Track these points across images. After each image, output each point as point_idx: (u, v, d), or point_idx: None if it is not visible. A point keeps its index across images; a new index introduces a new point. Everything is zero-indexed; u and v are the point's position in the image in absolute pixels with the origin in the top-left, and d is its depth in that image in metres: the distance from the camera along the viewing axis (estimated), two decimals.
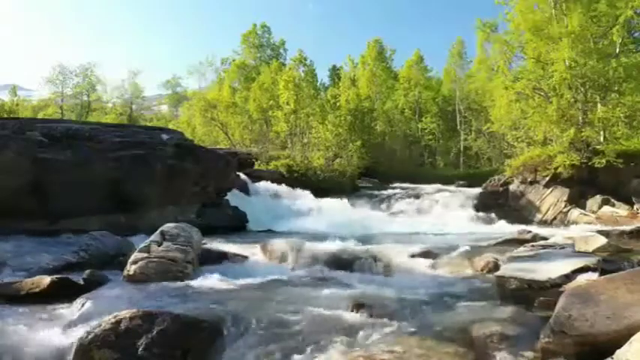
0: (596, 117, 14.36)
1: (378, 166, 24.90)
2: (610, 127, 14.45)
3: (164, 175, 10.27)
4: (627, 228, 8.17)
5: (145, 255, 5.01)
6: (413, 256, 6.40)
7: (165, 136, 11.52)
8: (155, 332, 2.98)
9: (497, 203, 14.76)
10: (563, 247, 5.43)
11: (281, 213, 13.42)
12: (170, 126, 24.32)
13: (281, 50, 36.59)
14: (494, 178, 16.81)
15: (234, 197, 12.69)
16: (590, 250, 5.19)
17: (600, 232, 6.48)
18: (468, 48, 31.91)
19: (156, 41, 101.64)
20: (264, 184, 15.59)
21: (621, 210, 12.27)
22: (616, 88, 14.76)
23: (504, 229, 11.22)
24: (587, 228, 9.55)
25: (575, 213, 12.96)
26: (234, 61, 36.67)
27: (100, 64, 37.28)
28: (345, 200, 15.67)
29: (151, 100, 50.61)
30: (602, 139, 14.29)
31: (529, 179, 14.69)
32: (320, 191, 15.95)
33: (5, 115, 21.88)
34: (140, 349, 2.90)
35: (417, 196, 16.31)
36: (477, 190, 16.14)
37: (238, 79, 34.20)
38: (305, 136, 22.69)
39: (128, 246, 6.34)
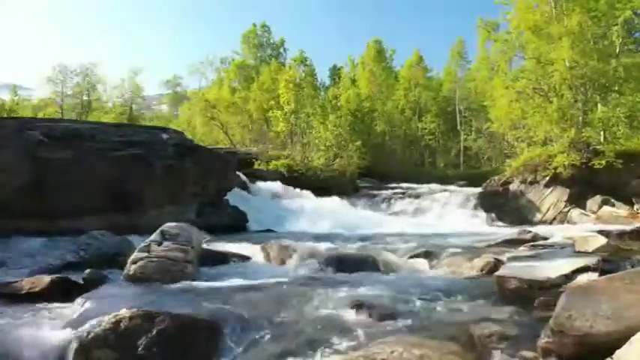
0: (597, 117, 14.36)
1: (378, 166, 24.88)
2: (610, 127, 14.45)
3: (164, 175, 10.27)
4: (627, 228, 8.16)
5: (145, 255, 5.01)
6: (413, 256, 6.41)
7: (165, 136, 11.54)
8: (155, 332, 2.98)
9: (498, 203, 14.75)
10: (563, 247, 5.44)
11: (281, 213, 13.42)
12: (170, 126, 24.29)
13: (281, 50, 36.60)
14: (495, 178, 16.80)
15: (234, 197, 12.69)
16: (590, 250, 5.18)
17: (600, 232, 6.48)
18: (468, 48, 31.97)
19: (156, 41, 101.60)
20: (264, 184, 15.61)
21: (621, 210, 12.26)
22: (616, 88, 14.77)
23: (504, 229, 11.22)
24: (587, 228, 9.55)
25: (575, 213, 12.95)
26: (233, 60, 36.68)
27: (100, 64, 37.07)
28: (345, 200, 15.68)
29: (151, 99, 50.65)
30: (602, 139, 14.29)
31: (529, 179, 14.68)
32: (320, 191, 15.94)
33: (5, 115, 21.89)
34: (140, 349, 2.90)
35: (417, 196, 16.31)
36: (477, 190, 16.12)
37: (238, 79, 34.20)
38: (305, 136, 22.68)
39: (128, 246, 6.34)
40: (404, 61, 34.12)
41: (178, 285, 4.58)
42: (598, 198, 12.93)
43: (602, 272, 3.85)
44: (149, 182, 9.98)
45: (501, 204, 14.73)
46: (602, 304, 2.56)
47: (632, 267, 4.31)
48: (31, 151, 9.02)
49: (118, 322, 3.01)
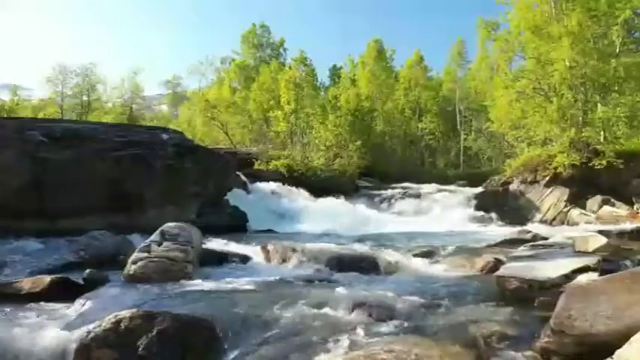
0: (597, 117, 14.37)
1: (378, 166, 24.85)
2: (610, 127, 14.46)
3: (164, 175, 10.28)
4: (627, 228, 8.17)
5: (145, 255, 5.01)
6: (413, 256, 6.40)
7: (165, 136, 11.55)
8: (155, 332, 2.98)
9: (497, 203, 14.75)
10: (563, 247, 5.43)
11: (281, 213, 13.43)
12: (170, 126, 24.29)
13: (281, 50, 36.60)
14: (494, 178, 16.83)
15: (234, 197, 12.70)
16: (590, 250, 5.17)
17: (600, 232, 6.47)
18: (468, 48, 32.00)
19: (156, 41, 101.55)
20: (264, 184, 15.60)
21: (621, 210, 12.27)
22: (616, 88, 14.78)
23: (504, 228, 11.22)
24: (587, 228, 9.55)
25: (575, 213, 12.96)
26: (233, 60, 36.69)
27: (100, 64, 37.02)
28: (346, 200, 15.67)
29: (151, 99, 50.63)
30: (602, 139, 14.30)
31: (529, 179, 14.69)
32: (320, 191, 15.93)
33: (5, 115, 21.92)
34: (140, 349, 2.90)
35: (417, 196, 16.31)
36: (477, 190, 16.12)
37: (238, 79, 34.20)
38: (305, 136, 22.68)
39: (128, 246, 6.34)
40: (404, 61, 34.15)
41: (178, 285, 4.58)
42: (598, 198, 12.94)
43: (602, 272, 3.85)
44: (149, 182, 9.98)
45: (501, 204, 14.73)
46: (602, 304, 2.56)
47: (633, 267, 4.31)
48: (31, 152, 9.03)
49: (118, 322, 3.01)
